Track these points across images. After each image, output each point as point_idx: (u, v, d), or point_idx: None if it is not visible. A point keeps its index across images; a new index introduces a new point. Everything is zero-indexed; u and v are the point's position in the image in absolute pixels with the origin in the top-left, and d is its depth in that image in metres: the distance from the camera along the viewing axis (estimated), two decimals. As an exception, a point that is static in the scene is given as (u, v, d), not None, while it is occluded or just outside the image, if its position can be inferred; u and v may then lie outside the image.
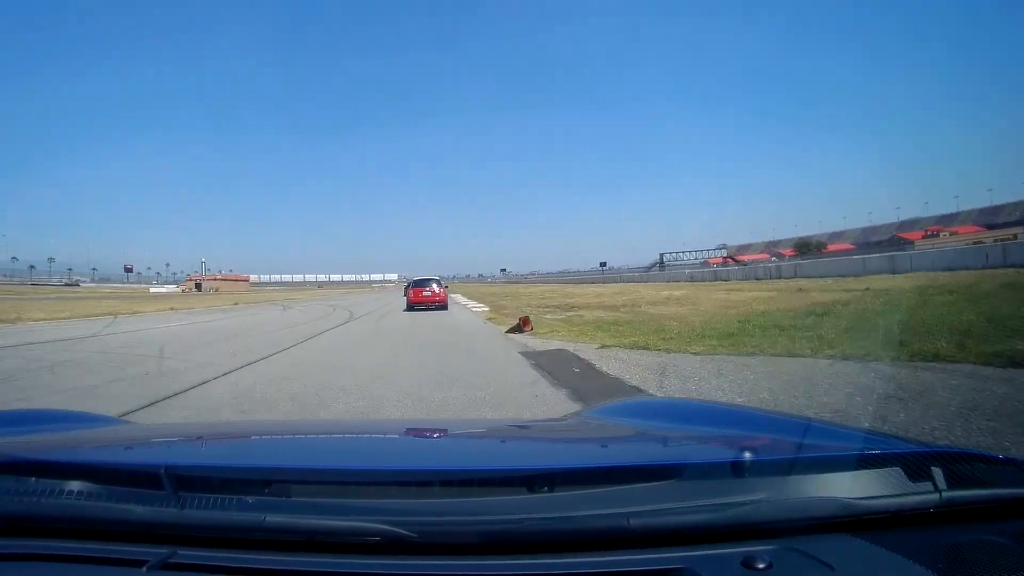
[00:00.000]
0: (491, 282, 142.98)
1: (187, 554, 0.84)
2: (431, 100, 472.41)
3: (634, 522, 0.81)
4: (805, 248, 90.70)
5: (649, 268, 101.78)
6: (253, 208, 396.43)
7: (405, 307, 21.26)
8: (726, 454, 0.93)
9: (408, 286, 23.44)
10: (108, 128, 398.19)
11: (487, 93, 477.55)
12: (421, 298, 20.89)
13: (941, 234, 66.92)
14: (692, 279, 48.61)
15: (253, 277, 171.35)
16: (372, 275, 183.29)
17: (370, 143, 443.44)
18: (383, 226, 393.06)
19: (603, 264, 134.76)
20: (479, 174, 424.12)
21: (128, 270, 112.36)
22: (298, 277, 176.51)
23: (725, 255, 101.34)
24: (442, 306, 20.67)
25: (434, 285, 21.35)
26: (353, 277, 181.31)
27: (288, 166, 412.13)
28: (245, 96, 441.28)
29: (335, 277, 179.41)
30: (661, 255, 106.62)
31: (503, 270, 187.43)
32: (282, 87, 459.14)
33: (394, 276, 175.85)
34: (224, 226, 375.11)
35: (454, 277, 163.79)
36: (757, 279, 37.67)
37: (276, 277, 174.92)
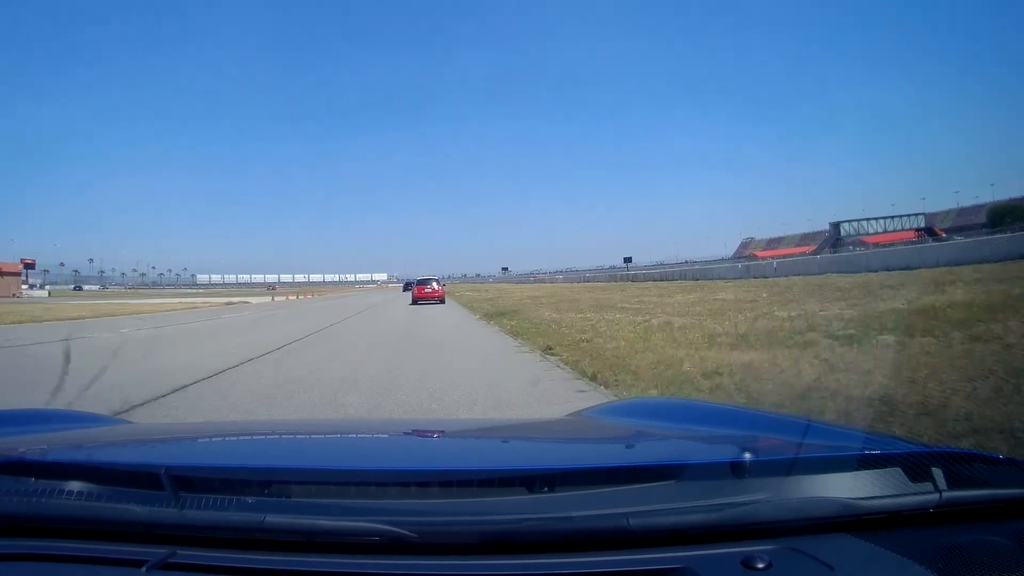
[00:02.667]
0: (492, 282, 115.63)
1: (187, 554, 0.84)
2: (424, 92, 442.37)
3: (634, 522, 0.81)
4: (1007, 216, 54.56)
5: (820, 249, 57.32)
6: (228, 204, 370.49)
7: (410, 302, 26.20)
8: (726, 454, 0.93)
9: (412, 284, 30.93)
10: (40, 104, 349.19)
11: (482, 86, 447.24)
12: (423, 294, 26.38)
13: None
14: (909, 267, 22.41)
15: (215, 277, 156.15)
16: (358, 275, 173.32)
17: (359, 136, 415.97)
18: (371, 223, 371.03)
19: (628, 260, 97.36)
20: (476, 165, 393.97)
21: (29, 266, 78.36)
22: (272, 277, 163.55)
23: (921, 226, 60.84)
24: (440, 301, 26.03)
25: (434, 284, 27.22)
26: (336, 277, 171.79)
27: (271, 160, 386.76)
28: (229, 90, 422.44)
29: (315, 277, 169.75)
30: (837, 225, 61.27)
31: (504, 269, 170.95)
32: (267, 81, 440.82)
33: (382, 276, 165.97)
34: (200, 222, 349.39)
35: (450, 277, 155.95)
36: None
37: (247, 278, 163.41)
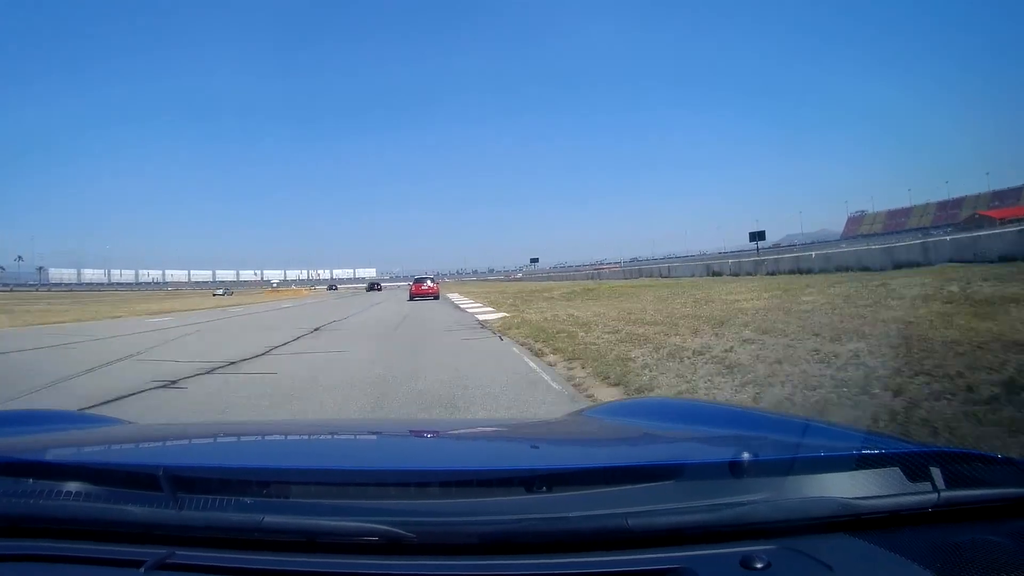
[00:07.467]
0: (520, 278, 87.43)
1: (185, 554, 0.84)
2: (426, 90, 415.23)
3: (633, 522, 0.81)
4: None
5: None
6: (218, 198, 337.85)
7: (408, 298, 27.10)
8: (725, 454, 0.93)
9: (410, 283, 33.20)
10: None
11: (486, 84, 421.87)
12: (420, 291, 27.64)
13: None
14: None
15: (166, 274, 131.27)
16: (335, 270, 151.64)
17: (360, 135, 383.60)
18: (374, 220, 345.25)
19: (758, 235, 70.24)
20: (486, 162, 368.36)
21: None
22: (255, 274, 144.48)
23: None
24: (435, 297, 27.24)
25: (428, 282, 29.17)
26: (304, 274, 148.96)
27: (264, 154, 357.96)
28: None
29: (270, 274, 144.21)
30: None
31: (534, 260, 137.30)
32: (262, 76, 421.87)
33: (371, 271, 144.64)
34: (197, 218, 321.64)
35: (457, 273, 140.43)
36: None
37: (226, 275, 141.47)
